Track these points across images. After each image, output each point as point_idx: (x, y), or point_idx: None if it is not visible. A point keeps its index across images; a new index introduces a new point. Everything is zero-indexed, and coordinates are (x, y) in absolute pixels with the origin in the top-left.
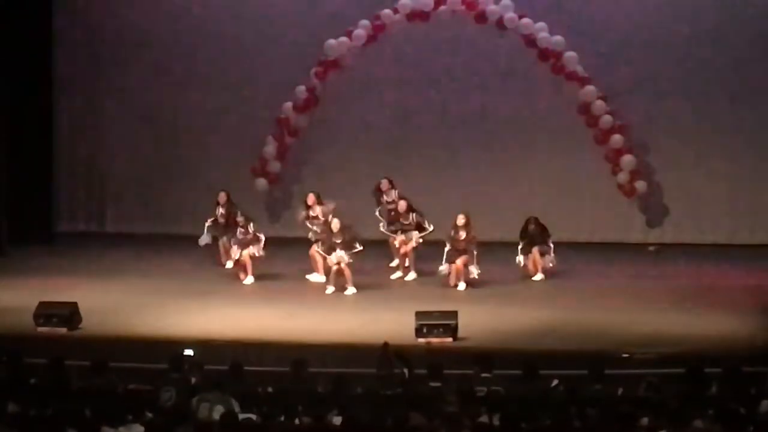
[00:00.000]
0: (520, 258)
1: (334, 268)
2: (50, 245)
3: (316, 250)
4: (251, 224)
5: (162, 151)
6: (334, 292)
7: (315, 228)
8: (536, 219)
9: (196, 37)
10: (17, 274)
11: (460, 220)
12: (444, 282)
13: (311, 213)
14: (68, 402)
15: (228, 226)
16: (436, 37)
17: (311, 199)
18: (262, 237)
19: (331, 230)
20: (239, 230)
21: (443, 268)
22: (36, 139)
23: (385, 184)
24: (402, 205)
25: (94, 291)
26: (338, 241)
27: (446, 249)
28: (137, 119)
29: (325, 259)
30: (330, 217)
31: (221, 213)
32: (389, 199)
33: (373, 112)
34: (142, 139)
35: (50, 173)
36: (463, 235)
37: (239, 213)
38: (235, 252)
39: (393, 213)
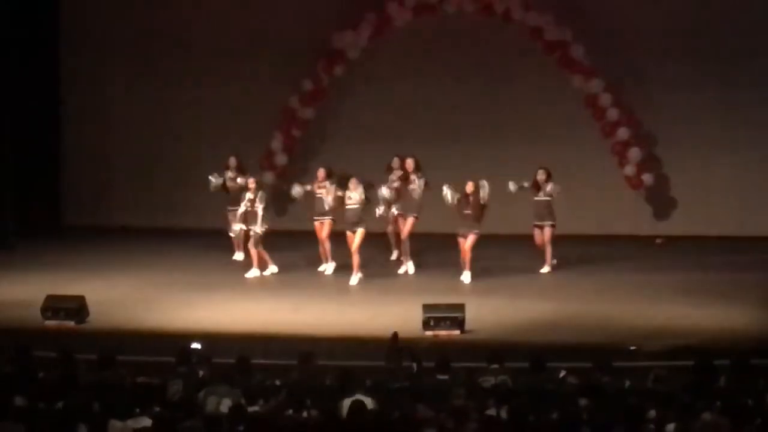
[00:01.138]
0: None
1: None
2: (58, 238)
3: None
4: (260, 193)
5: (169, 145)
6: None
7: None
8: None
9: (201, 30)
10: (25, 267)
11: (469, 187)
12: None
13: (318, 185)
14: (76, 395)
15: (238, 193)
16: (441, 29)
17: (321, 174)
18: (260, 209)
19: (338, 197)
20: (245, 195)
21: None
22: (43, 133)
23: (396, 162)
24: (409, 163)
25: (102, 284)
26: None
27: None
28: (144, 113)
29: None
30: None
31: (230, 177)
32: (395, 177)
33: (379, 105)
34: (149, 133)
35: (57, 167)
36: (470, 200)
37: (251, 178)
38: (235, 228)
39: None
